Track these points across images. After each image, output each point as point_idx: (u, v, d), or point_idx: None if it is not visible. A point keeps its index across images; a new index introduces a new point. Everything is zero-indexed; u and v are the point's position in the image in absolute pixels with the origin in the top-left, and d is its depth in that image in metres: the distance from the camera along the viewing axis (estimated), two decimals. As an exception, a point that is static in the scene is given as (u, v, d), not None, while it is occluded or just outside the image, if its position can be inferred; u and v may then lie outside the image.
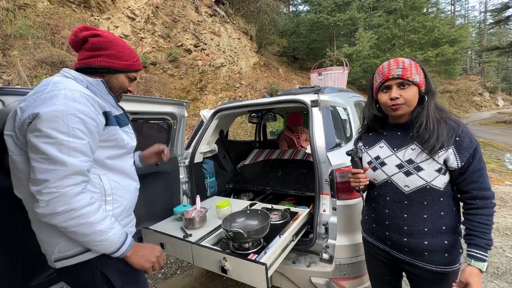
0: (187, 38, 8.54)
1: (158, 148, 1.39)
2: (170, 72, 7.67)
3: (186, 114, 2.07)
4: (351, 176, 1.16)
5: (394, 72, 0.99)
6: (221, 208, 1.75)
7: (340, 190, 1.55)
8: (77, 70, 0.97)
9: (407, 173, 1.02)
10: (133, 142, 1.09)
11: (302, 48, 16.46)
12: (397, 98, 1.00)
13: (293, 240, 1.52)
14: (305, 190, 2.10)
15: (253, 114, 3.09)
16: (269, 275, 1.14)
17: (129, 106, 1.21)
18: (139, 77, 6.73)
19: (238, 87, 9.36)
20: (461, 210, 1.04)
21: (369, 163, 1.16)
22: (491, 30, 29.84)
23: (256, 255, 1.24)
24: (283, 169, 2.54)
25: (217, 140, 2.61)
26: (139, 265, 0.98)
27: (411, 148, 1.03)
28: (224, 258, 1.21)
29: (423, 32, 15.79)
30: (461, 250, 1.04)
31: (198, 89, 8.12)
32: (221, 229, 1.51)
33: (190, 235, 1.52)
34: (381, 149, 1.13)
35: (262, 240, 1.38)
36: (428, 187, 1.00)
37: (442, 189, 1.00)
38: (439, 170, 0.98)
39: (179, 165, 2.17)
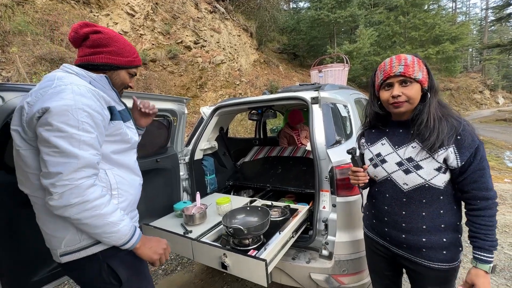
0: (186, 35, 8.48)
1: (134, 106, 1.23)
2: (170, 69, 7.64)
3: (186, 111, 2.07)
4: (351, 174, 1.17)
5: (396, 69, 0.98)
6: (221, 205, 1.76)
7: (340, 187, 1.55)
8: (79, 66, 0.97)
9: (406, 171, 1.02)
10: (136, 137, 1.09)
11: (302, 45, 16.38)
12: (399, 96, 0.99)
13: (292, 236, 1.53)
14: (305, 187, 2.10)
15: (253, 111, 3.09)
16: (269, 271, 1.15)
17: (129, 103, 1.21)
18: (138, 74, 6.69)
19: (238, 84, 9.33)
20: (463, 209, 1.04)
21: (371, 160, 1.16)
22: (492, 27, 29.72)
23: (256, 251, 1.25)
24: (283, 166, 2.54)
25: (217, 137, 2.61)
26: (147, 257, 0.99)
27: (412, 146, 1.02)
28: (224, 254, 1.22)
29: (424, 29, 15.75)
30: (461, 248, 1.04)
31: (198, 86, 8.09)
32: (221, 225, 1.52)
33: (190, 231, 1.53)
34: (382, 146, 1.13)
35: (262, 236, 1.39)
36: (427, 185, 0.99)
37: (442, 188, 0.99)
38: (438, 169, 0.97)
39: (179, 162, 2.17)
